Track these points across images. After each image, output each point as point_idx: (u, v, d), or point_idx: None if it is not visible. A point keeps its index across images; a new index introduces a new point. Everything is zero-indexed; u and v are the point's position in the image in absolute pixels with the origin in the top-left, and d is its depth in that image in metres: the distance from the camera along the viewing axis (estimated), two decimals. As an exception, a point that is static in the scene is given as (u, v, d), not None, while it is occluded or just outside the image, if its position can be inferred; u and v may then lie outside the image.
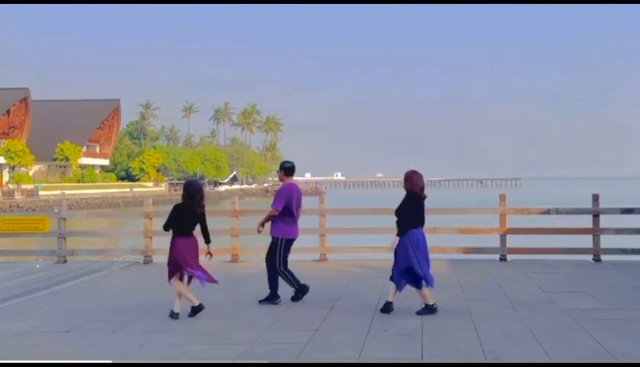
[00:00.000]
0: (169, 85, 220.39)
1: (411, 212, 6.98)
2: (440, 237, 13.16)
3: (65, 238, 12.25)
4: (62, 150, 78.68)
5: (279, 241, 7.78)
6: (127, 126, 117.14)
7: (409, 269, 6.88)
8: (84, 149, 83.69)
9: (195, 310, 7.03)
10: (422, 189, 7.10)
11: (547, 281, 8.94)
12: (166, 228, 7.20)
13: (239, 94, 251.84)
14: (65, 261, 12.09)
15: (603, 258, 10.97)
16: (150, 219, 12.14)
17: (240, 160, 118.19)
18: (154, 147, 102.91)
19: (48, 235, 12.46)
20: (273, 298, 7.73)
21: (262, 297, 7.78)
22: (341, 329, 6.39)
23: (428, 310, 6.91)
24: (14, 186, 65.68)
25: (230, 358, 5.45)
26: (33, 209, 51.46)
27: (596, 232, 10.99)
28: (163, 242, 16.33)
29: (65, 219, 12.31)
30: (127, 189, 76.07)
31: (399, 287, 6.99)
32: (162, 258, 12.91)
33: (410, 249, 6.88)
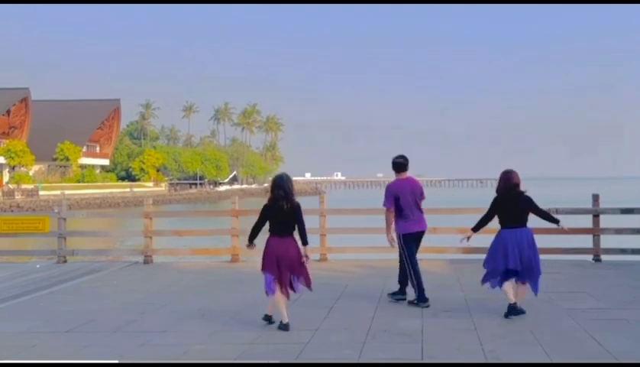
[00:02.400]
0: (169, 85, 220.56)
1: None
2: (440, 237, 13.16)
3: (65, 238, 12.25)
4: (62, 150, 78.69)
5: (398, 237, 7.72)
6: (127, 126, 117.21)
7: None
8: (84, 149, 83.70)
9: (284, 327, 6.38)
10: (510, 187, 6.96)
11: (548, 281, 8.91)
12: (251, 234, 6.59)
13: (239, 94, 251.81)
14: (65, 261, 12.10)
15: (603, 258, 10.97)
16: (150, 219, 12.14)
17: (240, 160, 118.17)
18: (154, 147, 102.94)
19: (48, 235, 12.46)
20: (397, 294, 7.73)
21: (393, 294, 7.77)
22: (341, 329, 6.39)
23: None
24: (14, 186, 65.72)
25: (230, 358, 5.45)
26: (34, 209, 51.50)
27: (596, 232, 10.98)
28: (163, 242, 16.35)
29: (65, 219, 12.30)
30: (127, 189, 76.10)
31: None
32: (162, 258, 12.97)
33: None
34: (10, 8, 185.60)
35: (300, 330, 6.34)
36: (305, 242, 6.48)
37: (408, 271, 7.62)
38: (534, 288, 6.89)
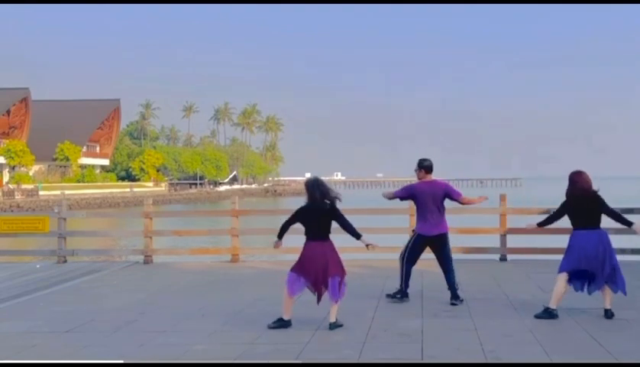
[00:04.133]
0: (169, 85, 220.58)
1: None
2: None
3: (65, 238, 12.24)
4: (62, 150, 78.71)
5: (413, 233, 7.93)
6: (127, 126, 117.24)
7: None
8: (84, 149, 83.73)
9: (282, 323, 6.45)
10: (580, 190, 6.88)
11: (548, 281, 8.91)
12: (280, 232, 6.66)
13: (239, 94, 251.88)
14: (65, 261, 12.09)
15: (603, 258, 10.95)
16: (150, 219, 12.14)
17: (240, 160, 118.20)
18: (154, 147, 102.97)
19: (48, 235, 12.46)
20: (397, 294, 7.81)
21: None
22: (341, 329, 6.38)
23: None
24: (15, 186, 65.74)
25: (230, 358, 5.45)
26: (34, 209, 51.52)
27: (596, 232, 10.96)
28: (163, 242, 16.33)
29: (65, 219, 12.30)
30: (127, 189, 76.12)
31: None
32: (162, 258, 12.98)
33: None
34: (10, 8, 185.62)
35: (300, 330, 6.34)
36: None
37: (401, 266, 7.76)
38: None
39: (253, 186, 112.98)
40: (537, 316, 6.68)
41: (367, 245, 6.58)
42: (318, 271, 6.35)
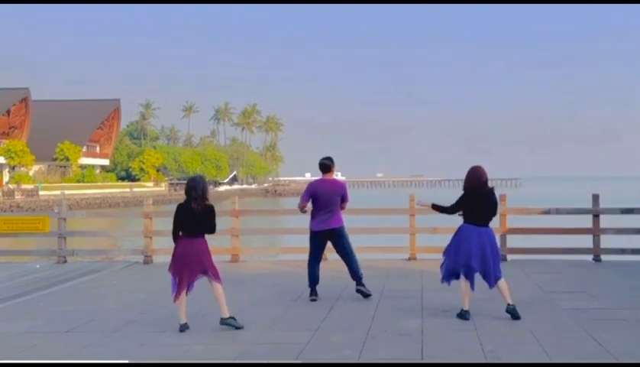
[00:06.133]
0: (170, 85, 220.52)
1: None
2: (440, 237, 13.14)
3: (65, 238, 12.25)
4: (62, 150, 78.67)
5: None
6: (127, 126, 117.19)
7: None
8: (84, 149, 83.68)
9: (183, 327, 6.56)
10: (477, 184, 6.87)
11: (547, 281, 8.94)
12: (173, 234, 6.69)
13: (239, 94, 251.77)
14: (65, 261, 12.09)
15: (603, 258, 10.96)
16: (150, 219, 12.14)
17: (240, 160, 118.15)
18: (154, 147, 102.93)
19: (48, 235, 12.45)
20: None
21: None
22: (341, 329, 6.39)
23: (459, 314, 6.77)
24: (14, 186, 65.70)
25: (230, 358, 5.45)
26: (34, 209, 51.49)
27: (596, 232, 10.98)
28: (163, 242, 16.31)
29: (65, 219, 12.30)
30: (127, 189, 76.08)
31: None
32: (162, 258, 12.95)
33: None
34: (10, 8, 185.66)
35: (300, 330, 6.34)
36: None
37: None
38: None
39: (253, 186, 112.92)
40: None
41: None
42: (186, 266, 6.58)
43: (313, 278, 8.07)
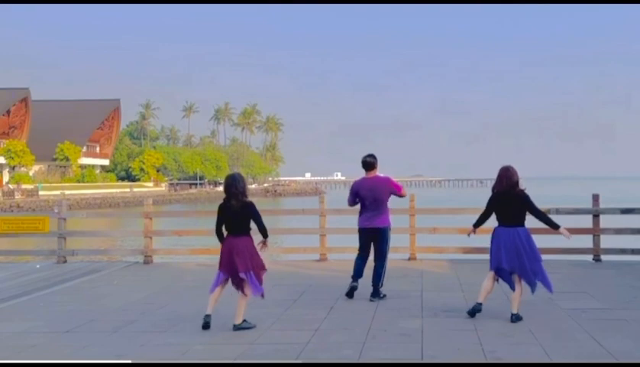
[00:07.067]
0: (169, 85, 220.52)
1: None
2: (440, 237, 13.15)
3: (65, 238, 12.24)
4: (62, 150, 78.72)
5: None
6: (127, 126, 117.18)
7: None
8: (84, 149, 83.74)
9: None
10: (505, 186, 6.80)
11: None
12: (217, 233, 6.63)
13: (239, 94, 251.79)
14: (65, 261, 12.09)
15: (603, 258, 10.96)
16: (150, 219, 12.13)
17: (240, 160, 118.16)
18: (154, 147, 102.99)
19: (48, 235, 12.45)
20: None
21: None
22: (341, 329, 6.38)
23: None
24: (14, 186, 65.75)
25: (230, 358, 5.45)
26: (34, 209, 51.55)
27: (596, 232, 10.98)
28: (163, 242, 16.32)
29: (65, 219, 12.30)
30: (127, 190, 76.14)
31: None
32: (162, 258, 12.96)
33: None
34: (10, 8, 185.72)
35: (300, 330, 6.33)
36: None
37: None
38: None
39: (254, 186, 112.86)
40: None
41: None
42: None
43: (355, 272, 7.96)
